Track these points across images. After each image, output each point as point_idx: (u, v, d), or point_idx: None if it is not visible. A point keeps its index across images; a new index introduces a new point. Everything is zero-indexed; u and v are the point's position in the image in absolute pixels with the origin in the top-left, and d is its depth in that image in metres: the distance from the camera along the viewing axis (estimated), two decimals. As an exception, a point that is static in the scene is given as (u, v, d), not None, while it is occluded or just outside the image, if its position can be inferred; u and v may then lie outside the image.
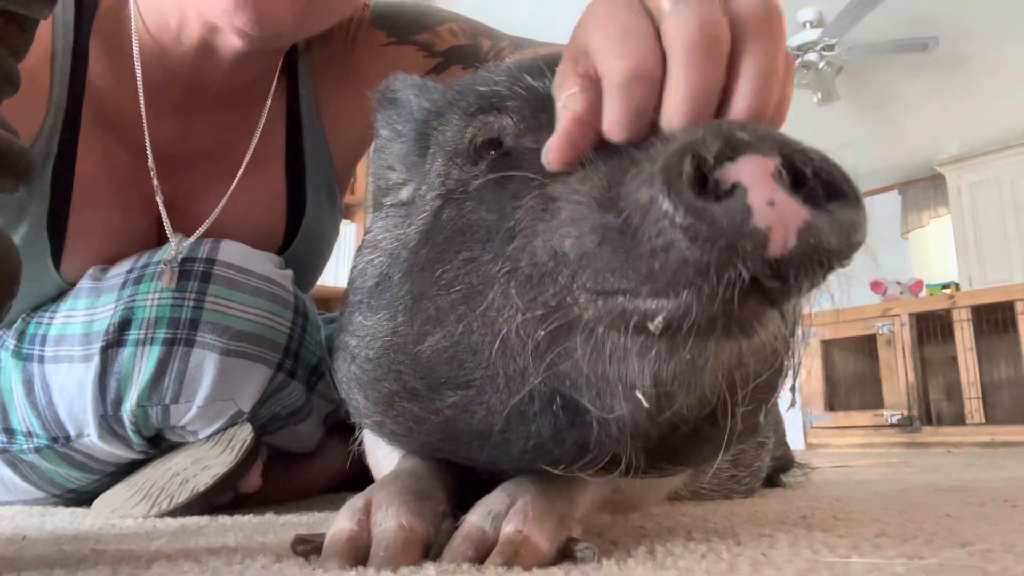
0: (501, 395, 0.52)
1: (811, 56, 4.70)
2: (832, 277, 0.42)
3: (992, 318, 4.87)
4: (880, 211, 7.28)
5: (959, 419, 4.86)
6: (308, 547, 0.53)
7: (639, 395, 0.45)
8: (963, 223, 6.38)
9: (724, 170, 0.39)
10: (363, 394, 0.66)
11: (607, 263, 0.42)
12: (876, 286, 5.86)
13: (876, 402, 5.23)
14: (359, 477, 0.89)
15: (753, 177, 0.38)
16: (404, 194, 0.72)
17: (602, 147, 0.48)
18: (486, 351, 0.51)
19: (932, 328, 5.11)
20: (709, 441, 0.52)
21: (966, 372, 4.82)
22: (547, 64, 0.63)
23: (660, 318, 0.41)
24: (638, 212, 0.40)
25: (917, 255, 7.00)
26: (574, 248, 0.44)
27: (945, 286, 5.85)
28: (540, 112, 0.58)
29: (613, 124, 0.46)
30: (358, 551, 0.50)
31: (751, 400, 0.50)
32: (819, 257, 0.39)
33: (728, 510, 0.87)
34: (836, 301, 0.45)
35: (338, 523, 0.53)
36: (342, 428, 1.06)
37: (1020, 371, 4.71)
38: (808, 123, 5.81)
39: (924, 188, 6.99)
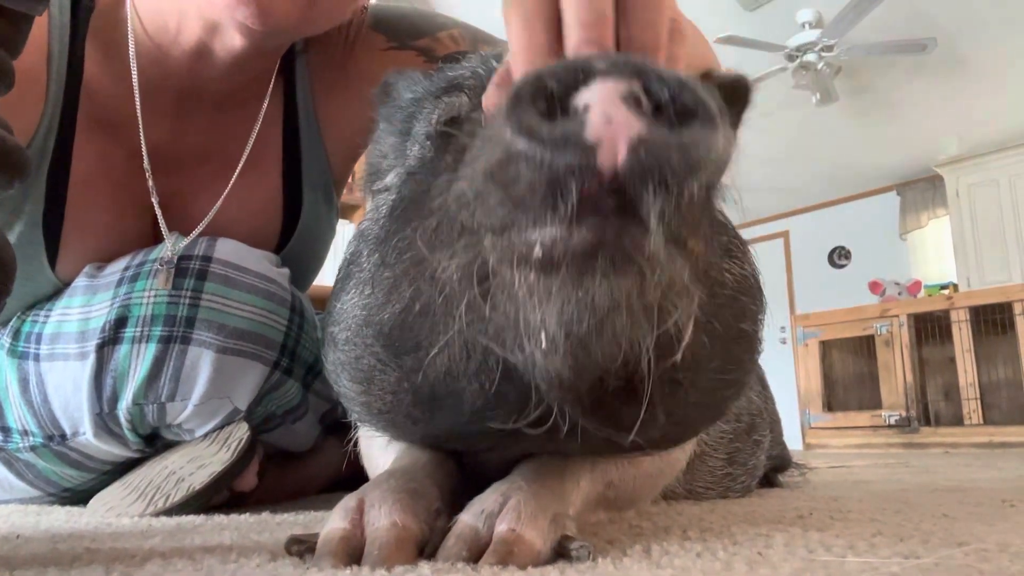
0: (442, 354, 0.53)
1: (810, 57, 4.70)
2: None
3: (990, 319, 4.88)
4: (878, 212, 7.30)
5: (957, 420, 4.87)
6: (302, 547, 0.53)
7: (543, 337, 0.45)
8: (962, 224, 6.39)
9: (576, 96, 0.40)
10: (348, 376, 0.67)
11: (492, 198, 0.43)
12: (874, 287, 5.88)
13: (874, 403, 5.23)
14: (356, 477, 0.89)
15: (598, 99, 0.39)
16: (389, 179, 0.74)
17: None
18: (431, 311, 0.53)
19: (930, 329, 5.11)
20: (642, 401, 0.52)
21: (964, 373, 4.83)
22: None
23: (537, 247, 0.42)
24: (497, 143, 0.42)
25: (915, 256, 7.01)
26: (470, 187, 0.46)
27: (943, 287, 5.86)
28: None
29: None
30: (352, 550, 0.50)
31: (663, 349, 0.49)
32: (653, 171, 0.39)
33: (724, 509, 0.87)
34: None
35: (331, 522, 0.53)
36: (339, 427, 1.06)
37: (1018, 372, 4.71)
38: (807, 124, 5.82)
39: (923, 189, 7.00)
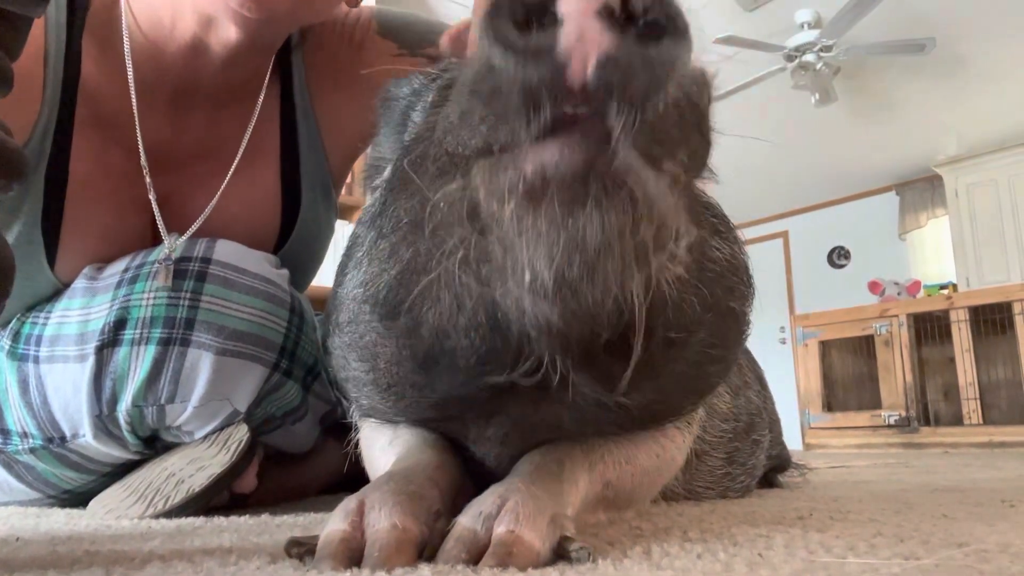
0: (433, 309, 0.54)
1: (809, 57, 4.70)
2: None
3: (990, 319, 4.88)
4: (877, 212, 7.30)
5: (957, 420, 4.87)
6: (302, 549, 0.53)
7: (530, 276, 0.46)
8: (961, 224, 6.38)
9: (552, 8, 0.41)
10: (356, 356, 0.68)
11: (474, 115, 0.44)
12: (874, 287, 5.87)
13: (874, 403, 5.23)
14: (356, 478, 0.89)
15: (571, 11, 0.40)
16: (386, 173, 0.74)
17: None
18: (422, 266, 0.54)
19: (930, 329, 5.11)
20: (630, 354, 0.52)
21: (964, 373, 4.83)
22: None
23: (521, 170, 0.43)
24: (478, 57, 0.43)
25: (915, 256, 7.01)
26: (455, 109, 0.46)
27: (943, 287, 5.85)
28: None
29: None
30: (352, 552, 0.50)
31: (655, 301, 0.50)
32: (621, 85, 0.41)
33: (724, 510, 0.86)
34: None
35: (331, 524, 0.53)
36: (339, 429, 1.05)
37: (1018, 372, 4.71)
38: (806, 124, 5.82)
39: (922, 189, 7.00)
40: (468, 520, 0.53)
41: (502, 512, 0.52)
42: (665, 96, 0.42)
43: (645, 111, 0.42)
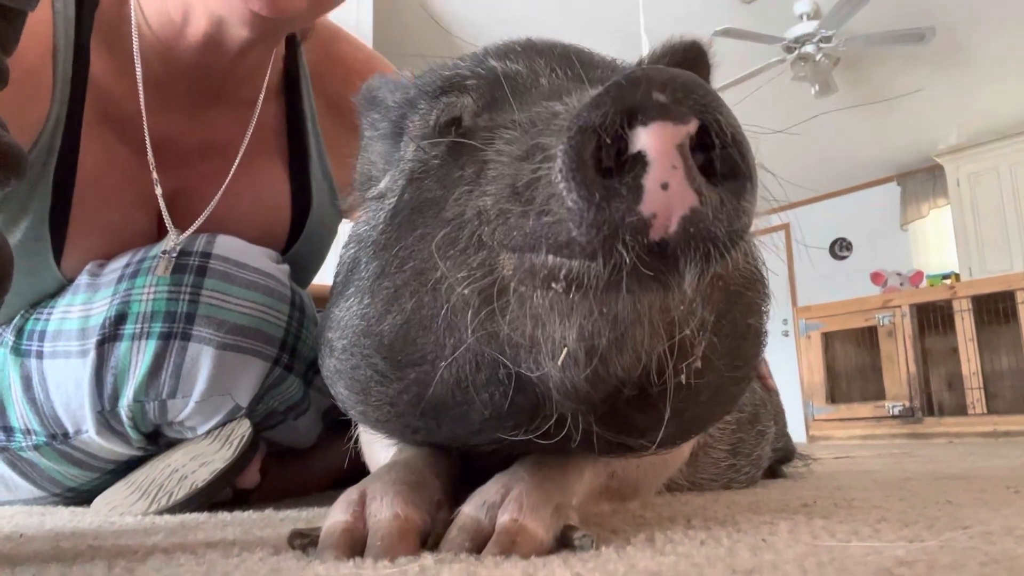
0: (450, 367, 0.53)
1: (808, 48, 4.69)
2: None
3: (993, 308, 4.87)
4: (879, 203, 7.29)
5: (961, 409, 4.86)
6: (305, 540, 0.53)
7: (564, 353, 0.45)
8: (963, 213, 6.37)
9: (634, 135, 0.40)
10: (344, 385, 0.67)
11: (518, 220, 0.44)
12: (876, 278, 5.86)
13: (878, 394, 5.22)
14: (360, 473, 0.89)
15: (657, 152, 0.39)
16: (382, 184, 0.73)
17: (532, 102, 0.52)
18: (435, 324, 0.52)
19: (933, 319, 5.10)
20: (657, 407, 0.52)
21: (967, 362, 4.82)
22: (512, 46, 0.65)
23: (562, 276, 0.42)
24: (539, 180, 0.42)
25: (917, 246, 7.00)
26: (493, 205, 0.46)
27: (945, 277, 5.84)
28: (497, 88, 0.60)
29: None
30: (354, 542, 0.50)
31: (681, 356, 0.50)
32: (699, 244, 0.41)
33: (728, 499, 0.86)
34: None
35: (333, 515, 0.52)
36: (342, 424, 1.05)
37: (1021, 361, 4.70)
38: (806, 115, 5.80)
39: (923, 179, 6.99)
40: (472, 509, 0.52)
41: (506, 501, 0.52)
42: (740, 248, 0.43)
43: (717, 261, 0.42)
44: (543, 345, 0.46)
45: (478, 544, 0.50)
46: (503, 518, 0.51)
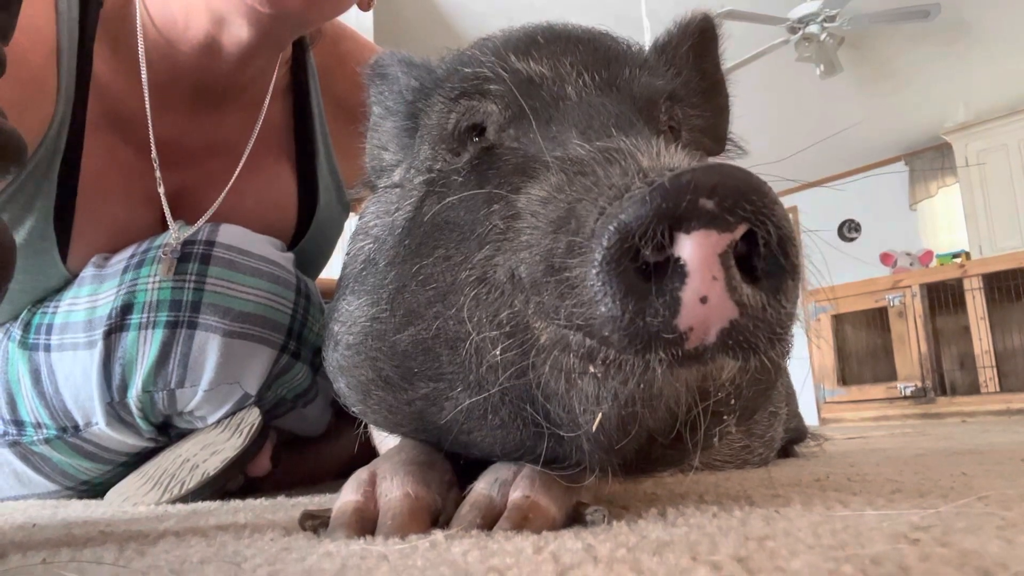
0: (470, 391, 0.51)
1: (812, 28, 4.64)
2: None
3: (1004, 286, 4.83)
4: (887, 183, 7.23)
5: (973, 388, 4.84)
6: (316, 522, 0.53)
7: (599, 417, 0.45)
8: (972, 191, 6.31)
9: (676, 240, 0.39)
10: (345, 381, 0.66)
11: (553, 300, 0.43)
12: (886, 258, 5.83)
13: (889, 375, 5.20)
14: (371, 460, 0.89)
15: (697, 263, 0.38)
16: (396, 175, 0.72)
17: (562, 125, 0.51)
18: (459, 347, 0.51)
19: (943, 298, 5.07)
20: (684, 446, 0.51)
21: (979, 341, 4.79)
22: (535, 40, 0.63)
23: (599, 359, 0.42)
24: (578, 271, 0.41)
25: (926, 226, 6.95)
26: (528, 275, 0.44)
27: (955, 255, 5.80)
28: (524, 97, 0.58)
29: None
30: (365, 521, 0.50)
31: (715, 417, 0.50)
32: (737, 352, 0.41)
33: (741, 476, 0.86)
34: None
35: (344, 495, 0.53)
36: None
37: (1033, 338, 4.68)
38: (811, 96, 5.76)
39: (931, 158, 6.93)
40: (484, 486, 0.52)
41: (518, 478, 0.52)
42: (776, 348, 0.42)
43: (754, 361, 0.42)
44: (576, 406, 0.45)
45: (489, 521, 0.50)
46: (515, 495, 0.51)
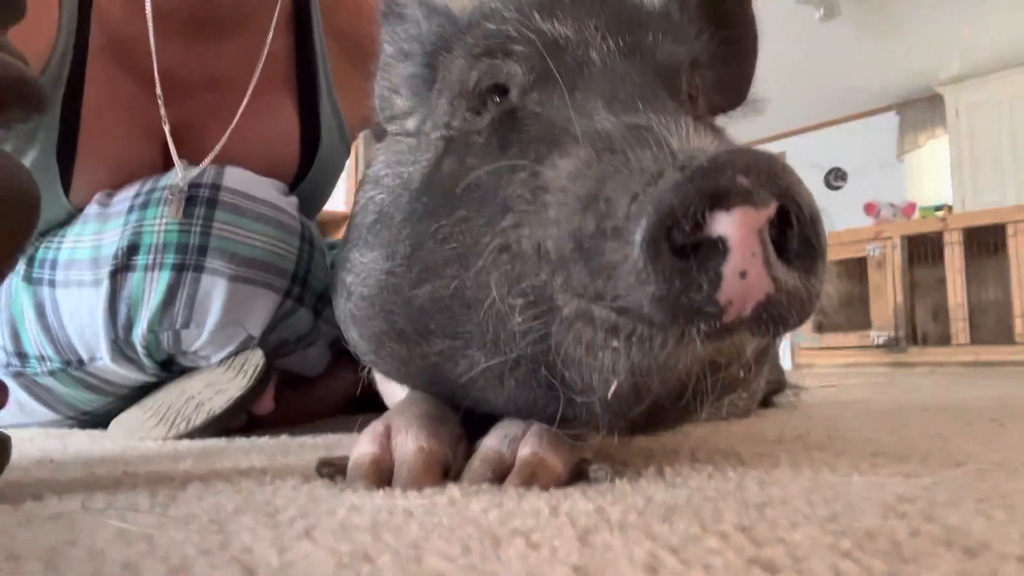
0: (487, 352, 0.53)
1: (814, -30, 4.56)
2: None
3: (983, 240, 4.90)
4: (876, 132, 7.23)
5: (944, 340, 4.96)
6: (332, 469, 0.55)
7: (615, 385, 0.46)
8: (960, 144, 6.34)
9: (714, 219, 0.40)
10: (357, 332, 0.67)
11: (581, 276, 0.44)
12: (869, 208, 5.87)
13: (864, 324, 5.31)
14: (366, 400, 0.91)
15: (738, 239, 0.40)
16: (410, 124, 0.71)
17: (588, 93, 0.52)
18: (478, 309, 0.52)
19: (923, 250, 5.14)
20: (689, 407, 0.54)
21: (954, 294, 4.88)
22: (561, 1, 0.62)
23: (623, 335, 0.44)
24: (618, 254, 0.42)
25: (912, 177, 6.99)
26: (555, 251, 0.45)
27: (938, 208, 5.86)
28: (549, 59, 0.57)
29: None
30: (382, 472, 0.53)
31: (726, 386, 0.51)
32: (769, 327, 0.43)
33: (727, 431, 0.90)
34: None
35: (361, 447, 0.55)
36: (349, 352, 1.08)
37: (1007, 293, 4.77)
38: (810, 41, 5.69)
39: (922, 109, 6.91)
40: (494, 441, 0.55)
41: (527, 435, 0.54)
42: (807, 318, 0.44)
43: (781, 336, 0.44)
44: (594, 375, 0.47)
45: (499, 475, 0.53)
46: (524, 451, 0.53)
